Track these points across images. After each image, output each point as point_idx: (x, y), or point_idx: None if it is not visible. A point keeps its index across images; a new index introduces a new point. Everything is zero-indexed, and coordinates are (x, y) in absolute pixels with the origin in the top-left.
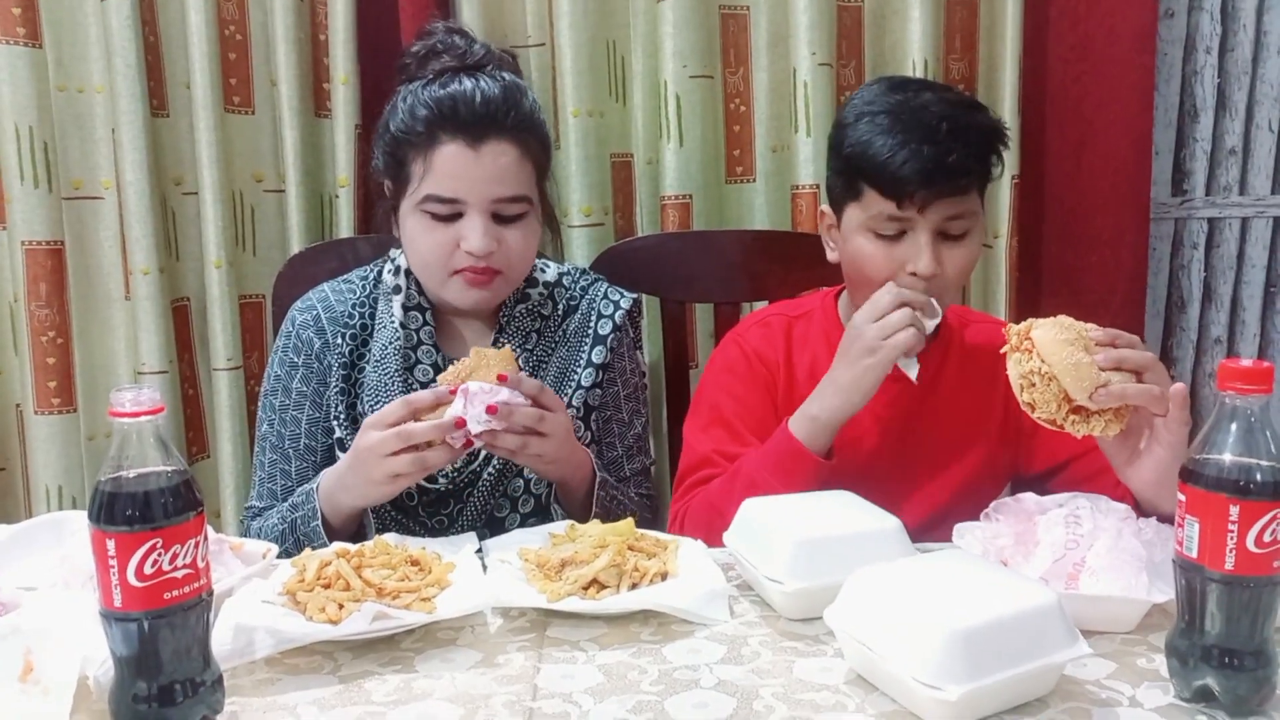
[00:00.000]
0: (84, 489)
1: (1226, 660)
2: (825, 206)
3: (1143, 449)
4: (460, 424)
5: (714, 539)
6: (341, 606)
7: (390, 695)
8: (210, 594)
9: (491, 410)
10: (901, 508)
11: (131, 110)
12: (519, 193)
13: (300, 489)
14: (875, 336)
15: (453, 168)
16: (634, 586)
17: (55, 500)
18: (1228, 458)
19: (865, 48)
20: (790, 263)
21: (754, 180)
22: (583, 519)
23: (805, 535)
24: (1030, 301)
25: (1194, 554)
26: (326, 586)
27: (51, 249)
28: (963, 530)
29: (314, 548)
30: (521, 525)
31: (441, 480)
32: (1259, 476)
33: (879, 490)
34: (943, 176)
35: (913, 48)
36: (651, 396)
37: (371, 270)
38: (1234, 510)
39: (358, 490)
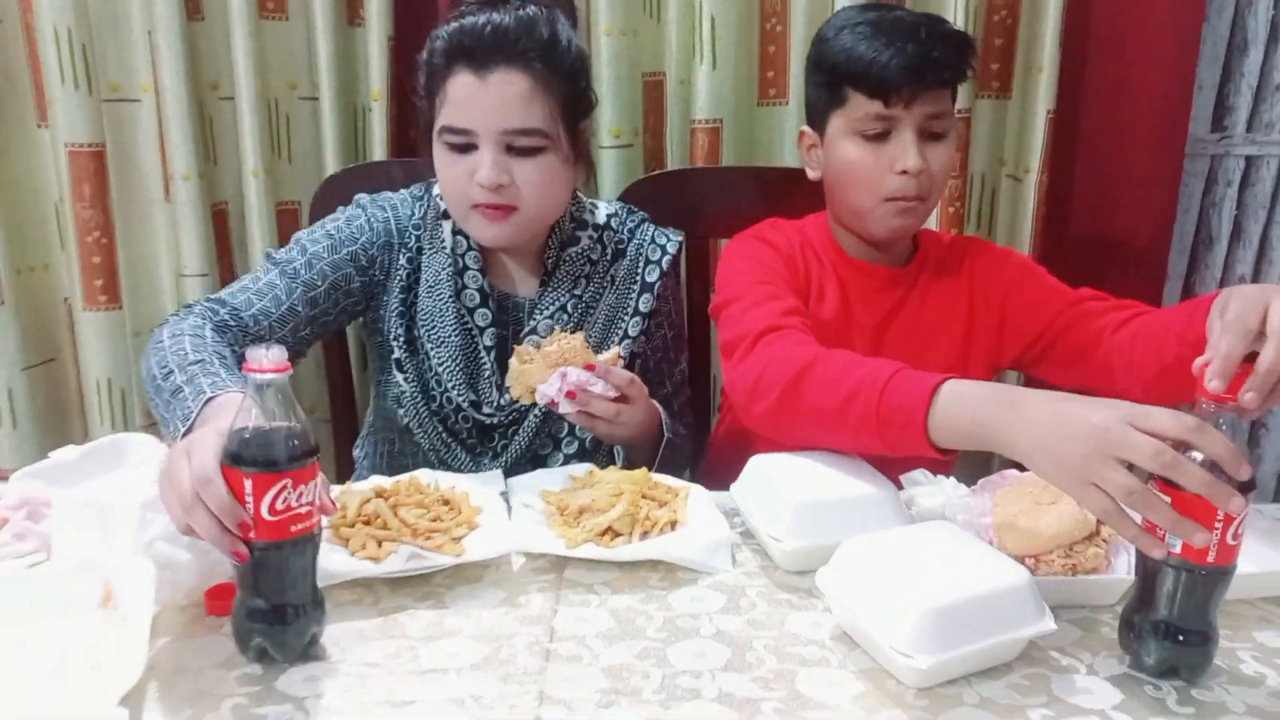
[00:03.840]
0: (131, 382)
1: (1177, 636)
2: (805, 127)
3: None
4: (553, 404)
5: (783, 405)
6: (380, 545)
7: (423, 630)
8: (320, 530)
9: (571, 395)
10: None
11: (168, 14)
12: (530, 125)
13: (210, 376)
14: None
15: (462, 97)
16: (645, 535)
17: (105, 392)
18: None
19: None
20: (820, 199)
21: (787, 103)
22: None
23: (807, 497)
24: (1056, 237)
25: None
26: (367, 523)
27: (93, 152)
28: (914, 480)
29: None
30: (564, 467)
31: (487, 410)
32: None
33: None
34: (928, 70)
35: None
36: None
37: (424, 191)
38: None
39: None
